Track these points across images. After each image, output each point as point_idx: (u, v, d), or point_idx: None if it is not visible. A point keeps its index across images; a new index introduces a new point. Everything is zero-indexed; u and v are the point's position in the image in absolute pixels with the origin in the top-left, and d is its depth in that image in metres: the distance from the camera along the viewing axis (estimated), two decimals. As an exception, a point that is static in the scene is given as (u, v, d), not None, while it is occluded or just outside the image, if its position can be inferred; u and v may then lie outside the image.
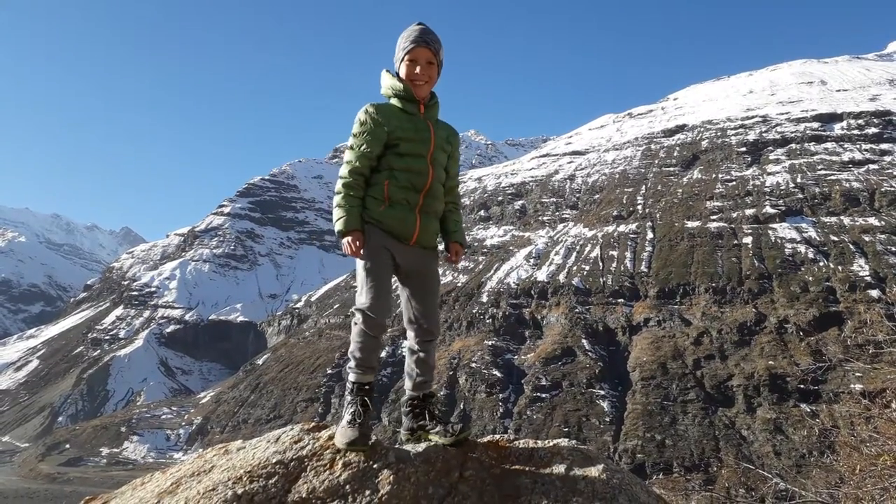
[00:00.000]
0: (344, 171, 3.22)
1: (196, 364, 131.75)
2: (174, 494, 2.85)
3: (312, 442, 3.03)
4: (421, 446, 3.07)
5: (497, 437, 3.17)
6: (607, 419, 57.86)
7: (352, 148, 3.22)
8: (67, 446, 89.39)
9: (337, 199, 3.22)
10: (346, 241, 3.10)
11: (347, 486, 2.73)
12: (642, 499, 2.70)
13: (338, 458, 2.90)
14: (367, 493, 2.69)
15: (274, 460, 2.89)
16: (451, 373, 71.93)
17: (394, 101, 3.23)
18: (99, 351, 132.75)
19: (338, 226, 3.15)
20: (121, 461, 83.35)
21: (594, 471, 2.78)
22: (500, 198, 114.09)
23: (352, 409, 3.10)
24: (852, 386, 41.87)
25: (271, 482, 2.76)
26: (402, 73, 3.20)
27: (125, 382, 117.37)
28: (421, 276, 3.31)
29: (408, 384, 3.39)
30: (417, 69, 3.17)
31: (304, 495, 2.70)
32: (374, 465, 2.84)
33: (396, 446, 3.06)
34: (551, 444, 3.03)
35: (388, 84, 3.25)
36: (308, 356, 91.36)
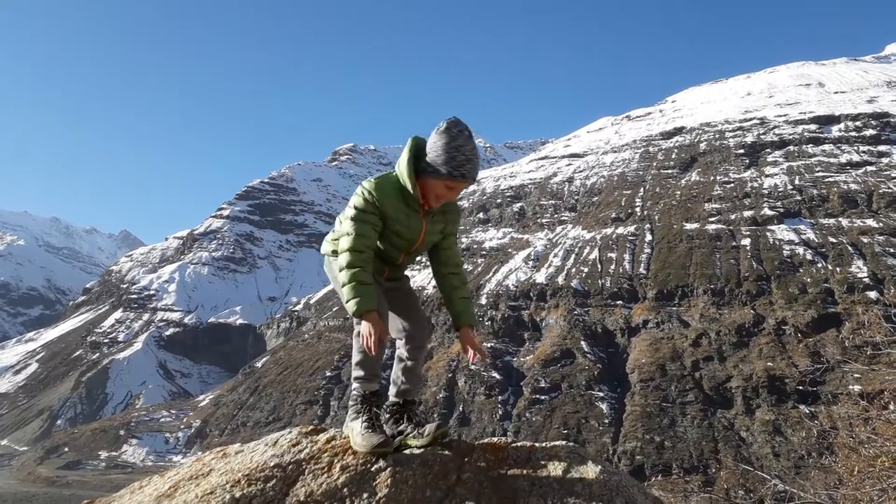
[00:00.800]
0: (355, 243, 2.99)
1: (195, 367, 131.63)
2: (172, 498, 2.86)
3: (310, 445, 3.04)
4: (419, 450, 3.07)
5: (495, 439, 3.18)
6: (606, 421, 57.86)
7: (360, 221, 3.02)
8: (66, 449, 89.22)
9: (349, 273, 2.95)
10: (365, 324, 2.92)
11: (345, 490, 2.74)
12: (639, 501, 2.71)
13: (335, 461, 2.90)
14: (365, 496, 2.70)
15: (272, 464, 2.90)
16: (449, 375, 71.88)
17: (400, 182, 3.09)
18: (98, 354, 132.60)
19: (353, 306, 2.92)
20: (120, 464, 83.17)
21: (591, 473, 2.78)
22: (498, 200, 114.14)
23: (365, 417, 3.05)
24: (851, 387, 41.89)
25: (269, 485, 2.77)
26: (435, 189, 3.03)
27: (124, 385, 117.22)
28: (399, 291, 3.35)
29: (392, 391, 3.37)
30: (450, 195, 3.07)
31: (301, 499, 2.70)
32: (372, 469, 2.84)
33: (394, 450, 3.06)
34: (549, 446, 3.04)
35: (405, 177, 3.06)
36: (307, 359, 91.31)
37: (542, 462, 2.90)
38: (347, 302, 2.94)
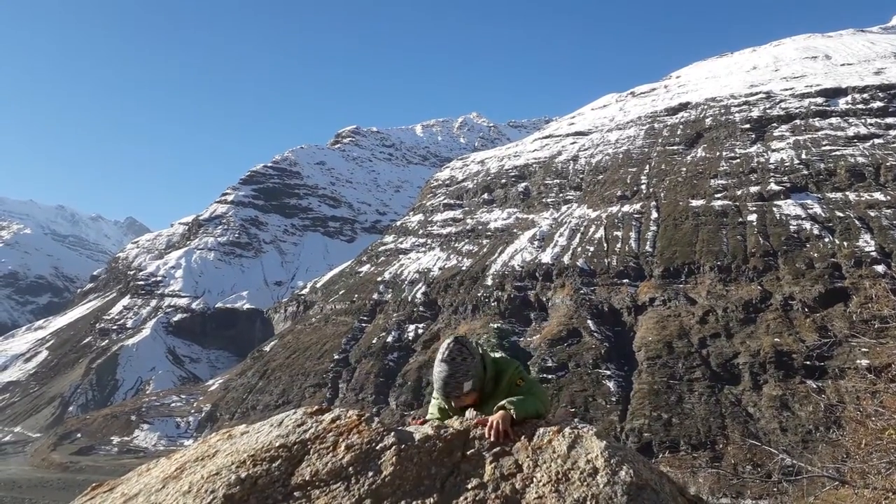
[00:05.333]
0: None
1: (204, 352, 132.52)
2: (179, 479, 2.87)
3: (315, 425, 3.04)
4: (425, 427, 3.08)
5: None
6: (613, 399, 58.11)
7: (430, 403, 3.75)
8: (79, 435, 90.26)
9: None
10: None
11: (350, 468, 2.74)
12: (645, 475, 2.70)
13: (340, 440, 2.90)
14: (370, 474, 2.70)
15: (277, 444, 2.90)
16: (457, 356, 72.07)
17: None
18: (107, 341, 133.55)
19: None
20: (132, 449, 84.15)
21: (596, 448, 2.78)
22: (503, 180, 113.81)
23: None
24: (858, 362, 41.92)
25: (275, 465, 2.77)
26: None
27: (134, 371, 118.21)
28: None
29: None
30: (452, 404, 3.43)
31: (307, 478, 2.71)
32: (377, 447, 2.85)
33: (399, 428, 3.06)
34: (554, 422, 3.03)
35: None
36: (315, 342, 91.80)
37: (548, 438, 2.90)
38: None
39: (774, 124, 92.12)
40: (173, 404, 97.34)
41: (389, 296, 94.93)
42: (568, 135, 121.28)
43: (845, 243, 64.59)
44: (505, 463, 2.76)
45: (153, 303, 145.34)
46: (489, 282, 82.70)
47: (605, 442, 2.84)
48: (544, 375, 63.91)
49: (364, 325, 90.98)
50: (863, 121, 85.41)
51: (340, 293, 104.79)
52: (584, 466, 2.69)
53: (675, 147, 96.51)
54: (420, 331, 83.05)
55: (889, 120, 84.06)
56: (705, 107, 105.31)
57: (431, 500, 2.58)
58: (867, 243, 63.44)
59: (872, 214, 67.50)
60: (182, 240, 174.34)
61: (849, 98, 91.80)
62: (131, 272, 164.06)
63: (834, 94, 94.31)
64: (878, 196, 70.25)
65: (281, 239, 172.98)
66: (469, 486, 2.66)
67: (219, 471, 2.78)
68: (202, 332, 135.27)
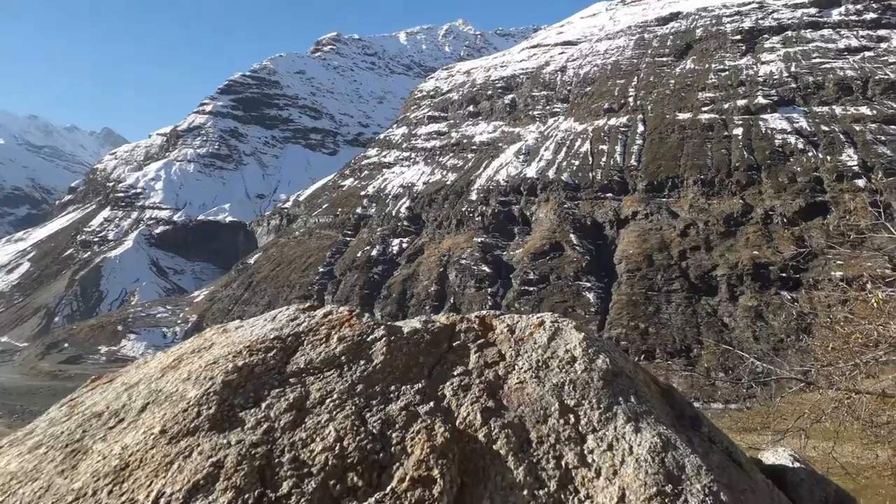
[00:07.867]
0: None
1: (188, 264, 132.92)
2: (177, 369, 3.00)
3: (308, 319, 3.16)
4: (413, 321, 3.21)
5: (483, 312, 3.30)
6: (593, 310, 59.58)
7: None
8: (66, 345, 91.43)
9: None
10: None
11: (343, 357, 2.87)
12: (620, 363, 2.87)
13: (333, 332, 3.03)
14: (362, 362, 2.84)
15: (272, 336, 3.03)
16: (441, 269, 73.01)
17: None
18: (89, 253, 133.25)
19: None
20: (119, 358, 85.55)
21: (574, 339, 2.93)
22: (489, 92, 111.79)
23: None
24: (833, 273, 43.07)
25: (270, 355, 2.90)
26: None
27: (118, 283, 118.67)
28: None
29: None
30: None
31: (301, 366, 2.84)
32: (368, 339, 2.98)
33: (388, 322, 3.19)
34: (535, 316, 3.17)
35: None
36: (299, 255, 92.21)
37: (529, 330, 3.04)
38: None
39: (766, 35, 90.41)
40: (159, 315, 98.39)
41: (373, 210, 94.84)
42: (556, 44, 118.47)
43: (829, 157, 64.95)
44: (489, 353, 2.91)
45: (134, 215, 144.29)
46: (473, 196, 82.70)
47: (583, 334, 2.99)
48: (525, 288, 65.17)
49: (348, 238, 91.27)
50: (855, 33, 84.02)
51: (324, 207, 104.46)
52: (563, 355, 2.84)
53: (664, 59, 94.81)
54: (404, 245, 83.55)
55: (881, 32, 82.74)
56: (696, 17, 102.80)
57: (420, 384, 2.73)
58: (850, 157, 63.86)
59: (857, 129, 67.57)
60: (161, 151, 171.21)
61: (842, 9, 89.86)
62: (110, 184, 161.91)
63: (828, 4, 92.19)
64: (865, 110, 70.10)
65: (261, 151, 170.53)
66: (455, 373, 2.82)
67: (216, 360, 2.90)
68: (185, 244, 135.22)
